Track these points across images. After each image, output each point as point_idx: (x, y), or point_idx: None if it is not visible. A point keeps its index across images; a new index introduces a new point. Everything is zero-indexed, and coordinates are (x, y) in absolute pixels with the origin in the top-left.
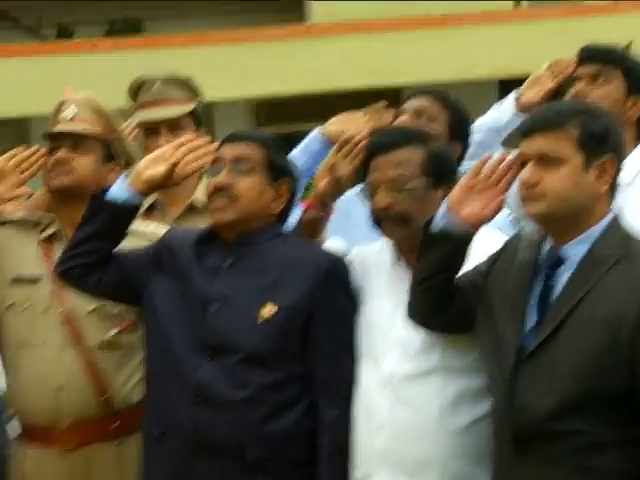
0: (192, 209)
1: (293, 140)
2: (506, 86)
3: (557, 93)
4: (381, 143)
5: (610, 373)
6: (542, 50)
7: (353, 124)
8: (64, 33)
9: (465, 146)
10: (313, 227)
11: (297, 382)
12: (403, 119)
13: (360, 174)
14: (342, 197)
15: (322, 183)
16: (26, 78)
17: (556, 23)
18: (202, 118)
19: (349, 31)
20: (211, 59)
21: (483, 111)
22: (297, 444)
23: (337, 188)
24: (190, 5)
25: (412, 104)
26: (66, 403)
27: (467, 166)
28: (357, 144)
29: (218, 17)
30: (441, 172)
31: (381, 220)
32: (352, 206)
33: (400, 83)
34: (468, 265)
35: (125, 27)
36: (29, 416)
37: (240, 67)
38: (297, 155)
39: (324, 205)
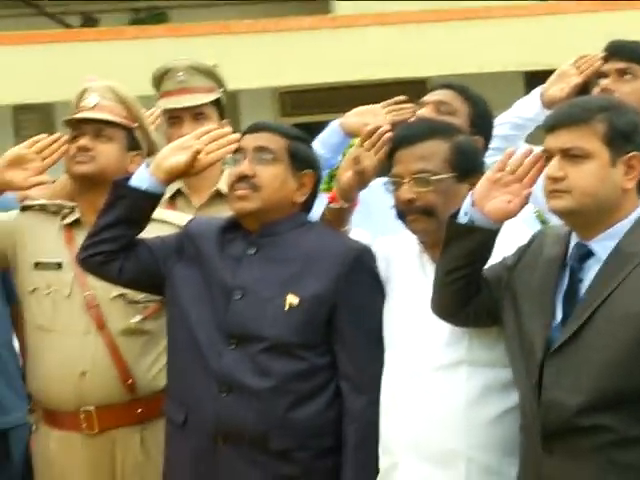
0: (216, 197)
1: (318, 129)
2: (532, 78)
3: (584, 88)
4: (405, 136)
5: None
6: (567, 43)
7: (372, 117)
8: (89, 21)
9: (487, 140)
10: (338, 218)
11: (322, 371)
12: (423, 112)
13: (384, 166)
14: (366, 189)
15: (346, 175)
16: (51, 65)
17: (581, 17)
18: (226, 108)
19: (374, 23)
20: (236, 48)
21: (510, 103)
22: (323, 433)
23: (361, 180)
24: None
25: (433, 97)
26: (89, 388)
27: (491, 160)
28: (381, 137)
29: (243, 7)
30: (466, 166)
31: (405, 213)
32: (375, 198)
33: (425, 75)
34: (494, 259)
35: (150, 16)
36: (53, 401)
37: (265, 57)
38: (316, 147)
39: (348, 197)
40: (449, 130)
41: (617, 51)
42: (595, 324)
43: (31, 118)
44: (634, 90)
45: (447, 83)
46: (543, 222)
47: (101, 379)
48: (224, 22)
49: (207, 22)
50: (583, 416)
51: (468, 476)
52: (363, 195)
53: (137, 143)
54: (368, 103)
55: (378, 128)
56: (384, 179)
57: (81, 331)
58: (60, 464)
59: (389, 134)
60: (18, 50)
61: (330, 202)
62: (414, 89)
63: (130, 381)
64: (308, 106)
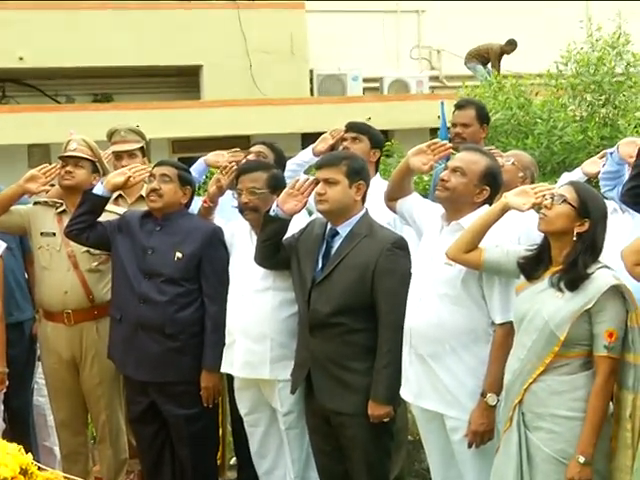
0: (139, 199)
1: (191, 161)
2: (305, 137)
3: (334, 146)
4: (245, 168)
5: (360, 294)
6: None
7: (221, 157)
8: (69, 101)
9: (282, 171)
10: (207, 213)
11: (194, 292)
12: (251, 157)
13: (233, 184)
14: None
15: (212, 188)
16: None
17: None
18: (146, 151)
19: (226, 105)
20: (150, 118)
21: (292, 151)
22: (194, 325)
23: (220, 191)
24: (142, 85)
25: (254, 149)
26: (69, 300)
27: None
28: (231, 168)
29: (151, 95)
30: (276, 185)
31: (243, 210)
32: (226, 201)
33: (249, 133)
34: (289, 234)
35: (102, 97)
36: (49, 306)
37: (165, 121)
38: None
39: (213, 201)
40: (267, 166)
41: (351, 127)
42: (337, 270)
43: (35, 153)
44: (360, 148)
45: (262, 141)
46: (310, 213)
47: (75, 295)
48: (144, 102)
49: (133, 103)
50: (330, 317)
51: (272, 347)
52: (220, 199)
53: (97, 169)
54: (219, 149)
55: (231, 163)
56: (231, 191)
57: (65, 269)
58: (52, 341)
59: (235, 167)
60: None
61: (203, 203)
62: (241, 141)
63: (91, 296)
64: (186, 148)
